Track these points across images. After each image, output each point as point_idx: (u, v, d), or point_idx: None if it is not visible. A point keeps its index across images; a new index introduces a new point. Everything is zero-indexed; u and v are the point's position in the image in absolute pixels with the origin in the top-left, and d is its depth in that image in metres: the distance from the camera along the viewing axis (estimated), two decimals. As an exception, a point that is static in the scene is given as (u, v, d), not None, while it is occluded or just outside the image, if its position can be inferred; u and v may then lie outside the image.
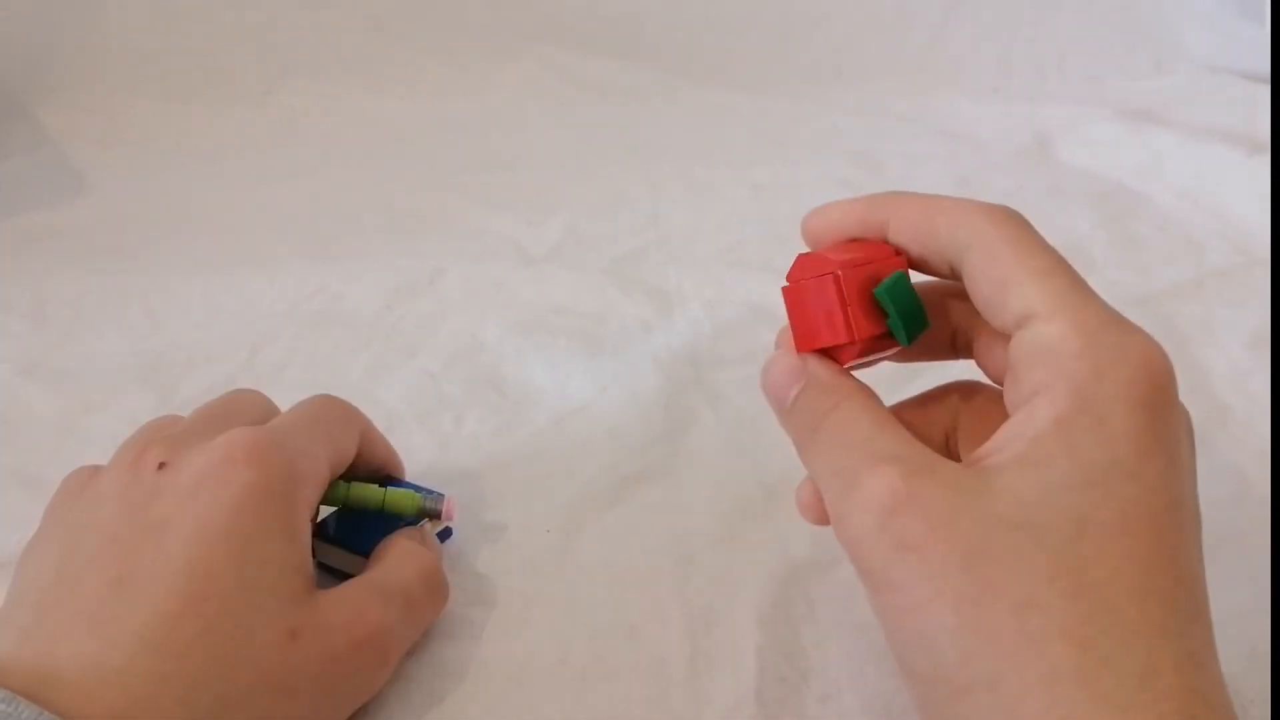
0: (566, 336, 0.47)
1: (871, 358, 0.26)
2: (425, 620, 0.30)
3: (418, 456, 0.38)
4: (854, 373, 0.26)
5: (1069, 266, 0.24)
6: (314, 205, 0.64)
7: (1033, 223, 0.25)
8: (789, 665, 0.29)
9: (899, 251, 0.26)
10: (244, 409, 0.31)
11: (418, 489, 0.32)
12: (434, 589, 0.30)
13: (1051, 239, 0.24)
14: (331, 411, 0.32)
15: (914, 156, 0.69)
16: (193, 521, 0.25)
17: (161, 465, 0.27)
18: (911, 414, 0.27)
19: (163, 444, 0.28)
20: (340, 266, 0.54)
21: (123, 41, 0.81)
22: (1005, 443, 0.22)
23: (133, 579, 0.24)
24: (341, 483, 0.32)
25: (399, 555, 0.30)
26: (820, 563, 0.32)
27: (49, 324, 0.49)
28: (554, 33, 0.87)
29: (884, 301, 0.25)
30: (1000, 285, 0.23)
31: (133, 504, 0.26)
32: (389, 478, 0.34)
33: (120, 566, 0.24)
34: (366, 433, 0.33)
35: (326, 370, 0.45)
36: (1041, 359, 0.22)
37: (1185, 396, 0.42)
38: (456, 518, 0.32)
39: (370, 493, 0.32)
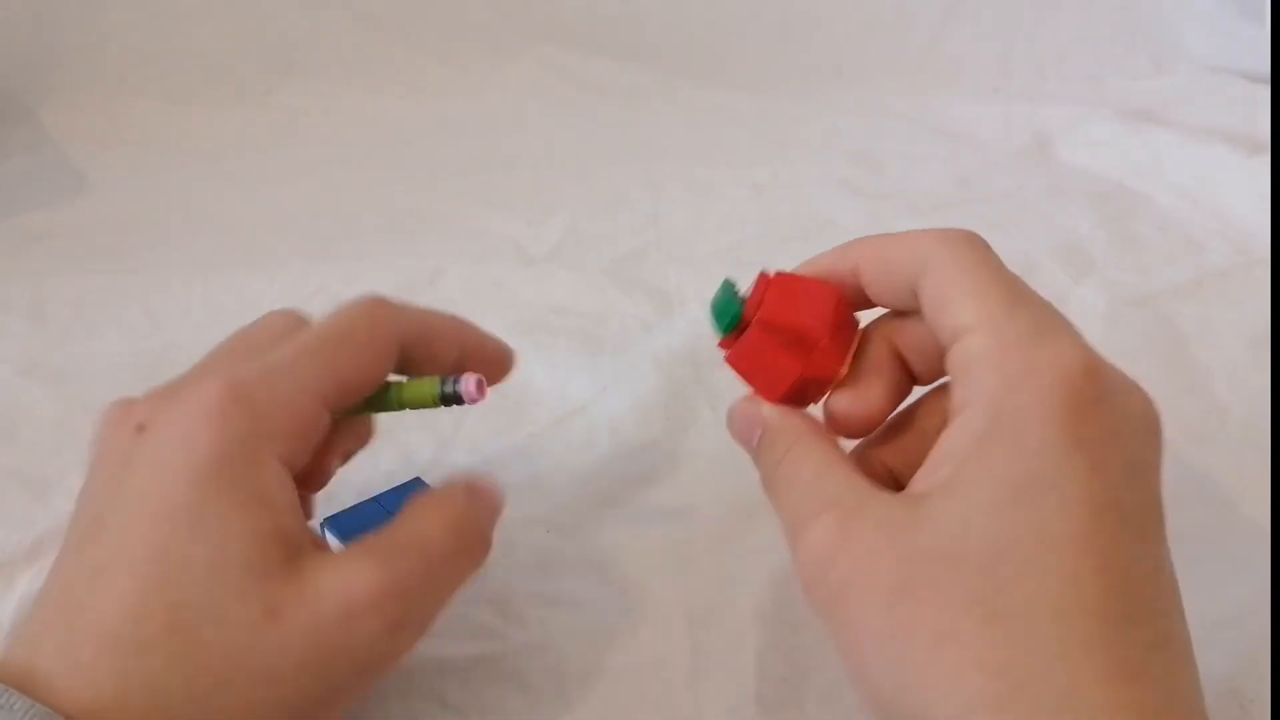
0: (566, 336, 0.47)
1: (821, 386, 0.26)
2: (455, 577, 0.26)
3: (418, 456, 0.38)
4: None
5: (1010, 283, 0.24)
6: (314, 205, 0.64)
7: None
8: (789, 665, 0.29)
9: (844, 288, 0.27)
10: (262, 340, 0.28)
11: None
12: (464, 540, 0.26)
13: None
14: (347, 328, 0.27)
15: (914, 156, 0.69)
16: (156, 496, 0.23)
17: (140, 427, 0.25)
18: (905, 420, 0.27)
19: (149, 400, 0.25)
20: (340, 266, 0.54)
21: (123, 41, 0.81)
22: (933, 467, 0.22)
23: (105, 565, 0.23)
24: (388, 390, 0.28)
25: (418, 505, 0.26)
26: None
27: (49, 324, 0.49)
28: (554, 33, 0.87)
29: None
30: (940, 303, 0.24)
31: (112, 476, 0.24)
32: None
33: (95, 552, 0.23)
34: (419, 332, 0.28)
35: (327, 370, 0.45)
36: (963, 375, 0.23)
37: (1185, 396, 0.42)
38: (488, 395, 0.27)
39: (387, 392, 0.28)
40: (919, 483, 0.22)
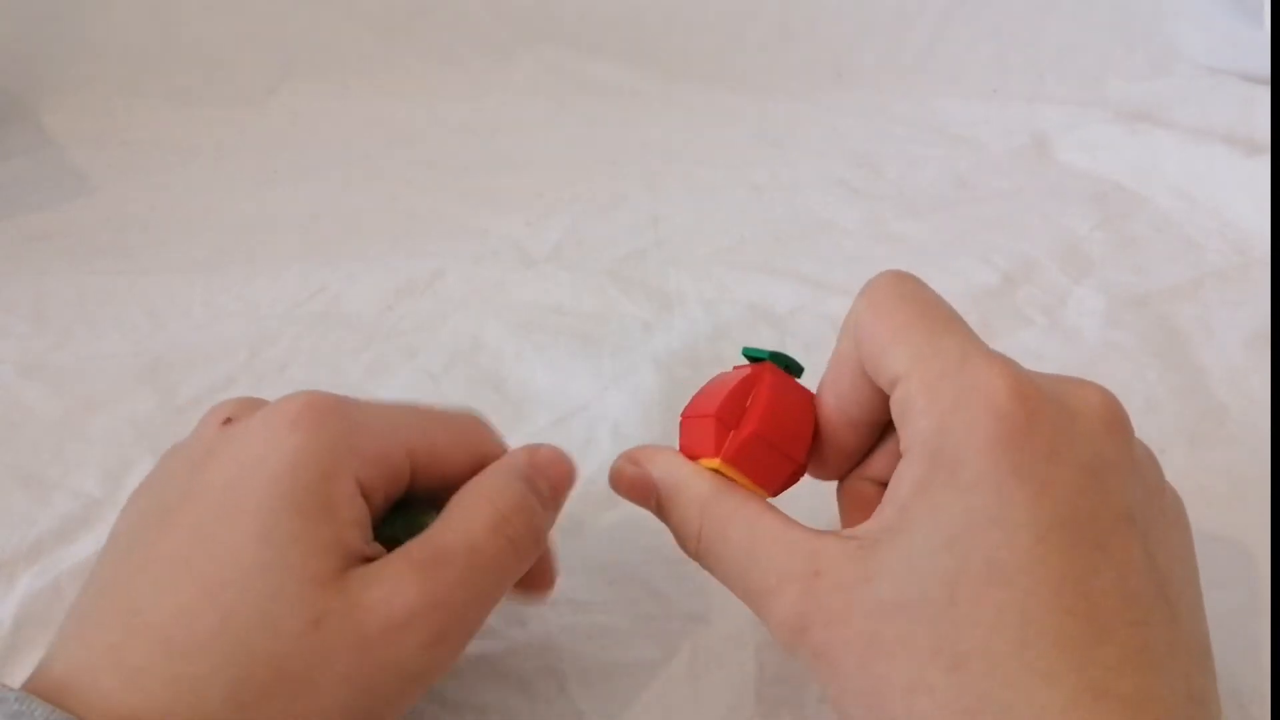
0: (567, 337, 0.47)
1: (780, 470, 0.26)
2: (503, 580, 0.25)
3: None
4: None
5: (931, 319, 0.23)
6: (315, 205, 0.64)
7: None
8: (789, 665, 0.29)
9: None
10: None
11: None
12: (512, 539, 0.24)
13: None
14: (449, 415, 0.27)
15: (913, 157, 0.69)
16: (230, 494, 0.23)
17: (226, 421, 0.24)
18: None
19: (238, 401, 0.25)
20: (341, 267, 0.54)
21: (124, 42, 0.81)
22: (881, 514, 0.22)
23: (163, 560, 0.22)
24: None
25: (463, 502, 0.25)
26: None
27: (50, 324, 0.49)
28: (554, 33, 0.87)
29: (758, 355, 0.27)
30: (872, 359, 0.24)
31: (190, 466, 0.24)
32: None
33: (157, 545, 0.23)
34: (480, 455, 0.27)
35: (327, 371, 0.45)
36: (901, 421, 0.23)
37: (1183, 396, 0.42)
38: None
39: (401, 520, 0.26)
40: (871, 526, 0.22)
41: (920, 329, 0.23)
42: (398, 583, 0.23)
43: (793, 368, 0.27)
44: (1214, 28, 0.80)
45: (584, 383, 0.43)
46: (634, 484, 0.27)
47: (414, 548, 0.24)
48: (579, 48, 0.86)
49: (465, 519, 0.24)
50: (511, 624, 0.31)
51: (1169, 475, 0.36)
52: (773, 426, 0.25)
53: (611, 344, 0.46)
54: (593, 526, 0.35)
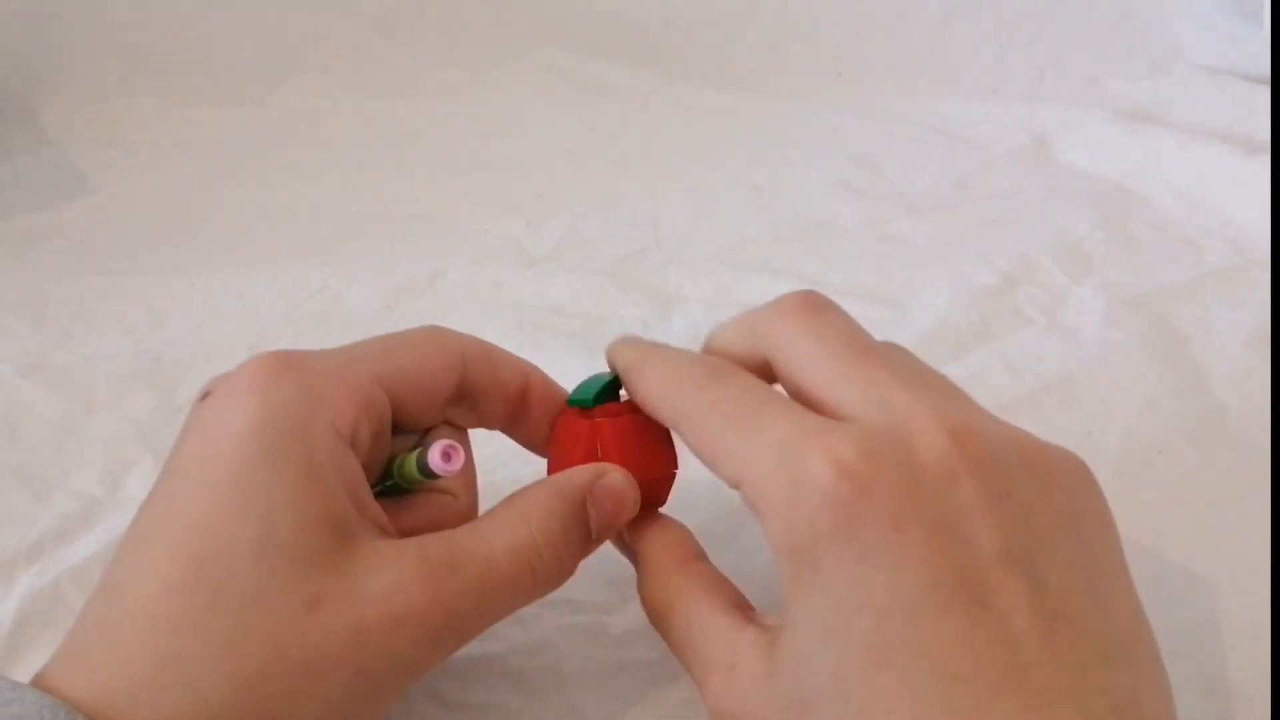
0: (567, 337, 0.47)
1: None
2: (516, 601, 0.24)
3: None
4: None
5: (744, 408, 0.23)
6: (315, 205, 0.64)
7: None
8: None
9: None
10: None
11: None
12: (535, 568, 0.24)
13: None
14: (409, 334, 0.27)
15: (913, 157, 0.69)
16: (201, 463, 0.22)
17: (205, 394, 0.24)
18: None
19: (226, 373, 0.25)
20: (341, 267, 0.54)
21: (125, 42, 0.81)
22: (779, 610, 0.22)
23: (149, 537, 0.22)
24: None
25: (502, 511, 0.25)
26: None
27: (50, 324, 0.49)
28: (554, 34, 0.87)
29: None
30: (708, 461, 0.23)
31: (176, 446, 0.24)
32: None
33: (144, 523, 0.22)
34: (480, 359, 0.27)
35: (327, 370, 0.45)
36: (761, 524, 0.22)
37: (1183, 396, 0.42)
38: (459, 464, 0.25)
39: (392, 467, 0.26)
40: (772, 631, 0.22)
41: (733, 431, 0.22)
42: (403, 577, 0.22)
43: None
44: (1214, 28, 0.80)
45: (584, 383, 0.43)
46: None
47: (430, 544, 0.23)
48: (579, 48, 0.86)
49: (495, 530, 0.24)
50: (511, 624, 0.31)
51: (1169, 475, 0.36)
52: (630, 462, 0.26)
53: (611, 344, 0.46)
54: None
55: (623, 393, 0.28)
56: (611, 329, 0.48)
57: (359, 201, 0.65)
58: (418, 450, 0.25)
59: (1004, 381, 0.43)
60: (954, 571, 0.19)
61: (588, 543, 0.25)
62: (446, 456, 0.24)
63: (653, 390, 0.25)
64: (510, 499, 0.25)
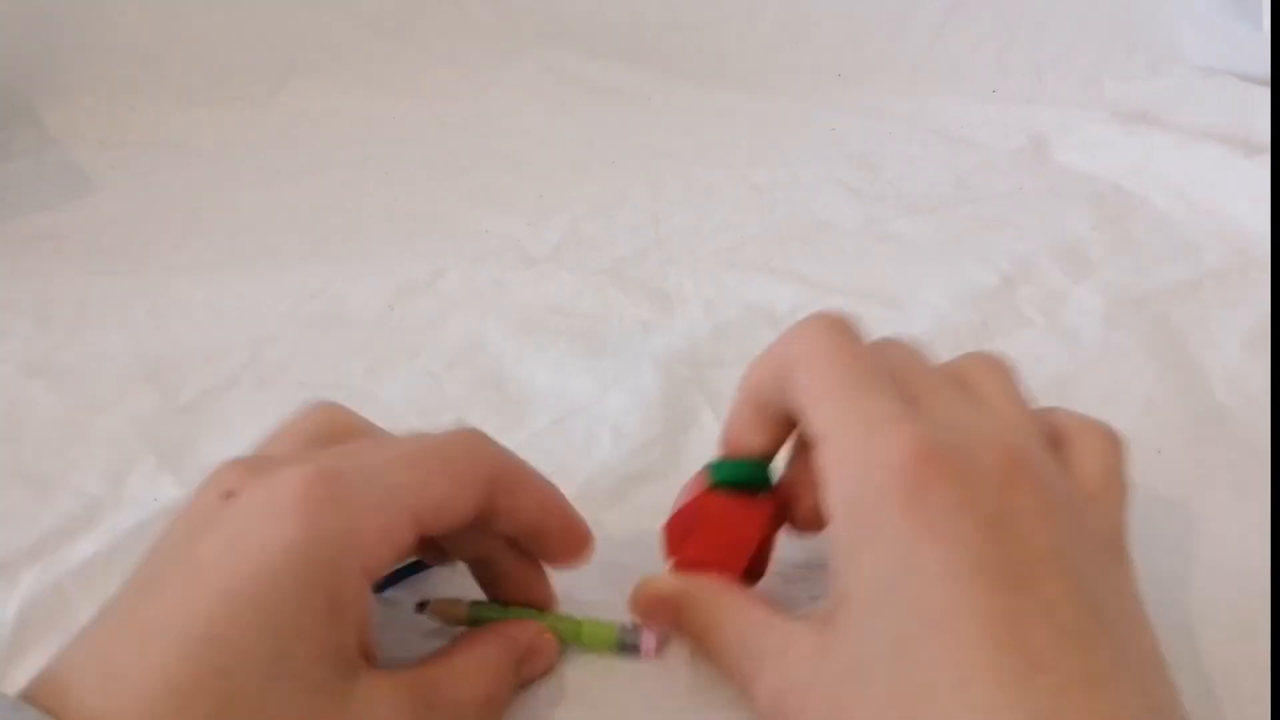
0: (567, 337, 0.47)
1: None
2: None
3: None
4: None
5: (850, 379, 0.25)
6: (317, 206, 0.64)
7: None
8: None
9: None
10: (321, 432, 0.28)
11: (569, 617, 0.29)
12: (493, 704, 0.26)
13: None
14: (445, 450, 0.26)
15: (912, 158, 0.69)
16: (227, 571, 0.22)
17: (228, 494, 0.24)
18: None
19: (243, 467, 0.25)
20: (342, 267, 0.54)
21: (127, 43, 0.81)
22: (829, 589, 0.24)
23: (155, 630, 0.21)
24: (489, 605, 0.29)
25: (465, 662, 0.26)
26: (817, 564, 0.32)
27: (53, 324, 0.49)
28: (555, 34, 0.87)
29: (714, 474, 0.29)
30: (803, 408, 0.26)
31: (185, 537, 0.23)
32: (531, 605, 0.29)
33: (147, 614, 0.22)
34: (507, 485, 0.27)
35: (328, 371, 0.45)
36: (822, 485, 0.24)
37: (1183, 396, 0.42)
38: (658, 651, 0.29)
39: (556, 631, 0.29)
40: (825, 611, 0.24)
41: (838, 390, 0.25)
42: (395, 712, 0.23)
43: (750, 480, 0.29)
44: (1213, 28, 0.81)
45: (584, 383, 0.43)
46: (656, 600, 0.29)
47: (417, 684, 0.24)
48: (579, 48, 0.87)
49: (467, 680, 0.26)
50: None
51: (1168, 475, 0.36)
52: (704, 552, 0.28)
53: (611, 344, 0.46)
54: (593, 526, 0.35)
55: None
56: (612, 328, 0.48)
57: (360, 201, 0.65)
58: (618, 628, 0.29)
59: (1003, 381, 0.43)
60: (1004, 557, 0.21)
61: (520, 684, 0.28)
62: (660, 647, 0.29)
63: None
64: (474, 644, 0.27)
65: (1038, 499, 0.22)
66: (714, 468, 0.30)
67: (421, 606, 0.30)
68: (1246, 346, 0.44)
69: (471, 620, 0.29)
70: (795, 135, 0.75)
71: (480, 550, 0.29)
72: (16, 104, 0.77)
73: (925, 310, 0.48)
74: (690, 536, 0.29)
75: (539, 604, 0.29)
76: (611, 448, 0.39)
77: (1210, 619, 0.30)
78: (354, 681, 0.23)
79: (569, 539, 0.29)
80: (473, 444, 0.27)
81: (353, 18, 0.85)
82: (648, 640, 0.29)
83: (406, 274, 0.53)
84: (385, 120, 0.79)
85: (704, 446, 0.39)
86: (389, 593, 0.31)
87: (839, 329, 0.26)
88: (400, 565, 0.31)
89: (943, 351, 0.45)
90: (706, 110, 0.81)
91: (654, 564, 0.33)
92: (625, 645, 0.29)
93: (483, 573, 0.30)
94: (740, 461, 0.29)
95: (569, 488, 0.36)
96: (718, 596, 0.27)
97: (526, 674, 0.28)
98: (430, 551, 0.30)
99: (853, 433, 0.24)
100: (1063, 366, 0.44)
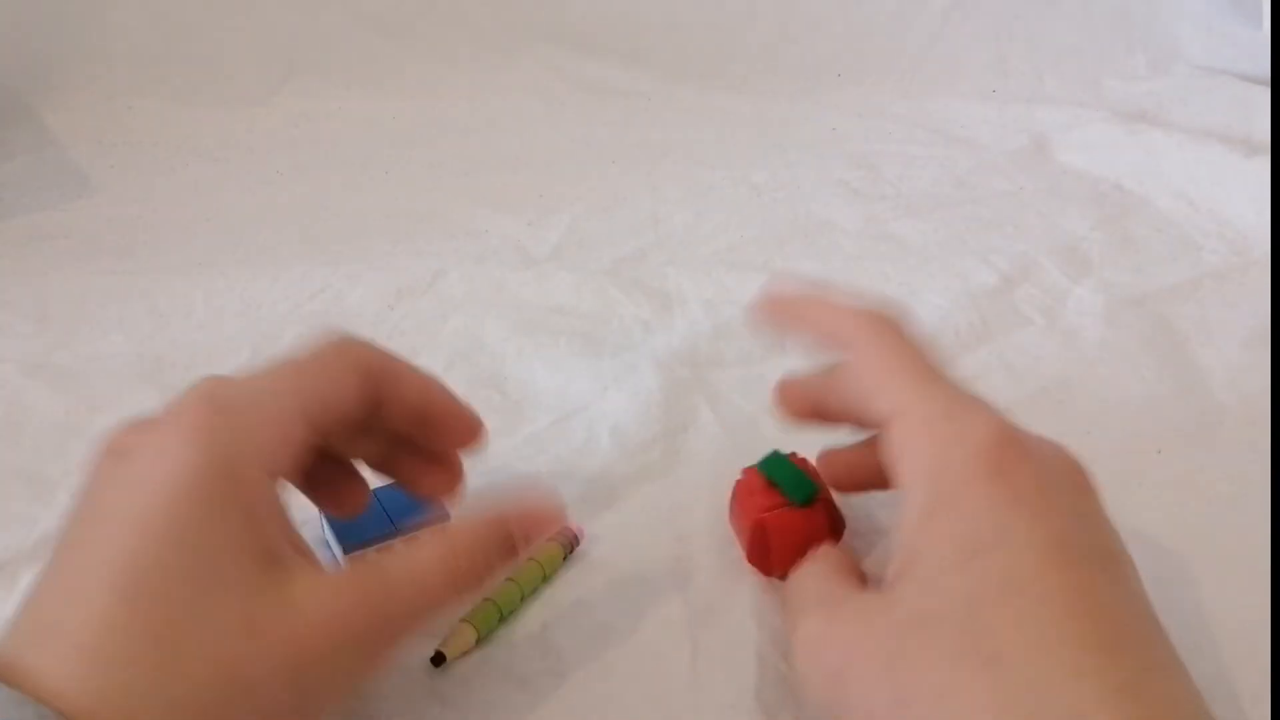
0: (567, 337, 0.47)
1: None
2: (437, 610, 0.26)
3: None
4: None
5: (924, 362, 0.27)
6: (316, 206, 0.64)
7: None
8: (789, 665, 0.29)
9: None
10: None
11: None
12: (456, 583, 0.26)
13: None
14: (317, 351, 0.28)
15: (912, 158, 0.69)
16: (134, 511, 0.23)
17: (122, 454, 0.25)
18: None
19: (132, 429, 0.25)
20: (342, 267, 0.54)
21: (127, 43, 0.81)
22: (894, 553, 0.24)
23: (79, 580, 0.22)
24: (489, 604, 0.30)
25: (422, 540, 0.26)
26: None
27: (53, 324, 0.49)
28: (554, 33, 0.87)
29: (766, 473, 0.32)
30: (866, 392, 0.27)
31: (90, 501, 0.24)
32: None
33: (69, 566, 0.23)
34: (387, 377, 0.29)
35: (328, 370, 0.45)
36: (899, 458, 0.25)
37: (1182, 396, 0.42)
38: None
39: (520, 584, 0.31)
40: (888, 574, 0.25)
41: (913, 373, 0.27)
42: (341, 605, 0.23)
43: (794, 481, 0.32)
44: (1213, 28, 0.81)
45: (584, 382, 0.43)
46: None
47: (365, 571, 0.25)
48: (579, 48, 0.86)
49: (419, 554, 0.26)
50: (512, 624, 0.31)
51: (1168, 475, 0.37)
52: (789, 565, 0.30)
53: (611, 344, 0.46)
54: (593, 527, 0.35)
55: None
56: (612, 328, 0.48)
57: (360, 201, 0.65)
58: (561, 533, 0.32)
59: (1003, 381, 0.43)
60: (1087, 535, 0.23)
61: (508, 555, 0.27)
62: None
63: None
64: (417, 538, 0.28)
65: (1099, 507, 0.24)
66: (768, 465, 0.33)
67: (437, 660, 0.29)
68: (1246, 346, 0.44)
69: (482, 632, 0.30)
70: (795, 135, 0.75)
71: (381, 450, 0.30)
72: (16, 104, 0.77)
73: (925, 310, 0.48)
74: (771, 553, 0.31)
75: (446, 492, 0.31)
76: (611, 448, 0.39)
77: (1210, 619, 0.30)
78: (289, 578, 0.23)
79: (457, 423, 0.30)
80: (345, 344, 0.28)
81: (353, 18, 0.85)
82: (578, 530, 0.33)
83: (407, 274, 0.53)
84: (385, 120, 0.79)
85: (704, 446, 0.39)
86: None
87: (899, 324, 0.28)
88: (370, 535, 0.32)
89: (943, 351, 0.45)
90: (706, 110, 0.81)
91: (654, 563, 0.33)
92: (566, 550, 0.32)
93: (390, 473, 0.31)
94: (792, 464, 0.32)
95: (569, 488, 0.37)
96: (815, 560, 0.28)
97: (520, 538, 0.27)
98: (337, 469, 0.30)
99: (934, 410, 0.25)
100: (1063, 366, 0.44)
